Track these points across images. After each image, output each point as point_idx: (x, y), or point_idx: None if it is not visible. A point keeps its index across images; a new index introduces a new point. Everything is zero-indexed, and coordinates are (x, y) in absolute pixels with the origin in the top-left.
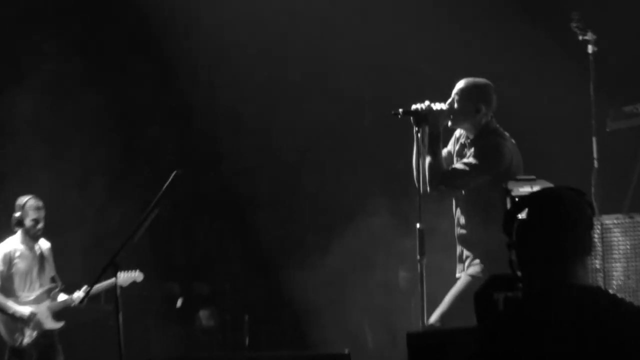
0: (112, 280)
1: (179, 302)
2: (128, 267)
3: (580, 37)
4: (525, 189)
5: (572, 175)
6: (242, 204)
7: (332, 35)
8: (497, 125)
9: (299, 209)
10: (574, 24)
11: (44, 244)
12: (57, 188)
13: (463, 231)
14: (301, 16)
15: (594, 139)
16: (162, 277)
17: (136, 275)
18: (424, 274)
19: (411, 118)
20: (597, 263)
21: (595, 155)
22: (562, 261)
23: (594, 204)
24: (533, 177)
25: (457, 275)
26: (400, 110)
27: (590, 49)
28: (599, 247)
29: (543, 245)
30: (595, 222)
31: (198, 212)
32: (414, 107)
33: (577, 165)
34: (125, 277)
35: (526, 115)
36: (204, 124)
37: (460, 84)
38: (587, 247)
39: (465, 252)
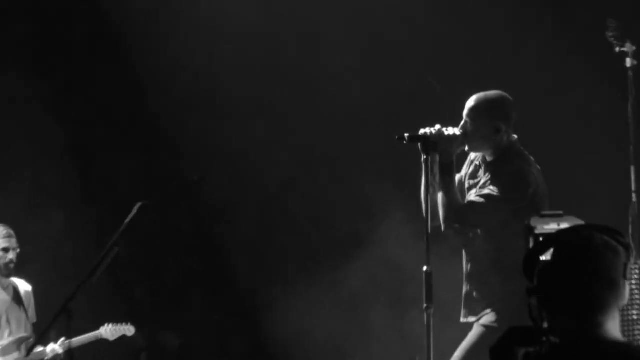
0: (96, 333)
1: (143, 358)
2: (84, 314)
3: (617, 49)
4: (551, 227)
5: (607, 210)
6: (217, 240)
7: (321, 43)
8: (522, 148)
9: (283, 248)
10: (609, 34)
11: (22, 286)
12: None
13: (474, 268)
14: (285, 20)
15: (632, 169)
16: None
17: (126, 329)
18: (432, 326)
19: (419, 144)
20: (635, 314)
21: (633, 187)
22: (591, 312)
23: (631, 245)
24: (560, 212)
25: (462, 319)
26: (407, 135)
27: (628, 62)
28: (637, 295)
29: (569, 293)
30: (633, 266)
31: (165, 251)
32: (422, 131)
33: (613, 199)
34: (112, 330)
35: (552, 139)
36: (173, 149)
37: (471, 102)
38: (620, 296)
39: (475, 294)
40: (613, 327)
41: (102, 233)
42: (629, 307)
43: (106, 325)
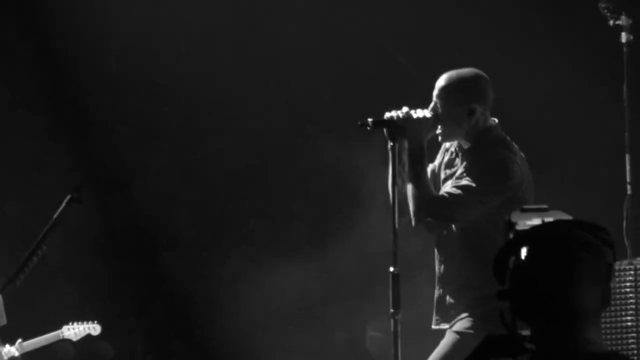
0: (57, 333)
1: None
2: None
3: (611, 22)
4: (534, 223)
5: (599, 204)
6: (155, 237)
7: (276, 19)
8: (502, 133)
9: (229, 245)
10: (602, 5)
11: None
12: None
13: (447, 270)
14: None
15: (627, 157)
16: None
17: (91, 328)
18: (399, 333)
19: (384, 130)
20: (630, 320)
21: (628, 178)
22: (570, 318)
23: (626, 242)
24: (545, 206)
25: (434, 326)
26: (370, 120)
27: (623, 37)
28: (632, 299)
29: (544, 298)
30: (627, 267)
31: (97, 249)
32: (387, 115)
33: (605, 191)
34: (76, 330)
35: (538, 123)
36: (108, 132)
37: (441, 82)
38: (603, 300)
39: (449, 299)
40: (595, 334)
41: (25, 229)
42: (623, 313)
43: (70, 324)
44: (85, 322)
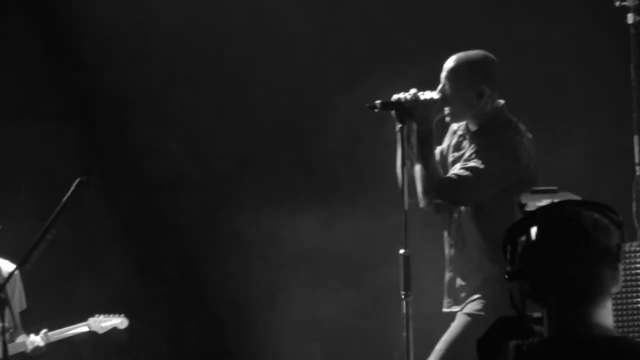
0: (82, 325)
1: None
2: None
3: (617, 3)
4: (544, 204)
5: (606, 185)
6: (164, 219)
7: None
8: (510, 115)
9: (237, 229)
10: None
11: (4, 267)
12: None
13: (458, 253)
14: None
15: (635, 138)
16: (64, 321)
17: (118, 322)
18: (410, 315)
19: (392, 112)
20: None
21: (637, 159)
22: (580, 300)
23: (636, 224)
24: (554, 187)
25: (445, 309)
26: (378, 102)
27: (630, 18)
28: None
29: (554, 279)
30: (637, 248)
31: (109, 235)
32: (395, 97)
33: (613, 172)
34: (101, 323)
35: (544, 105)
36: (113, 117)
37: (450, 63)
38: (613, 282)
39: (459, 281)
40: (606, 317)
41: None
42: (634, 295)
43: (96, 316)
44: (112, 316)
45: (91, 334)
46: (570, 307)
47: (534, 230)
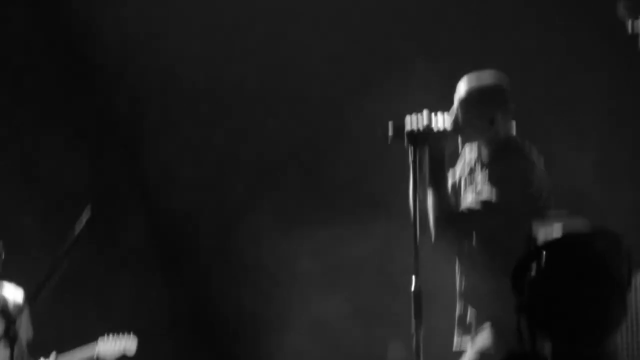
0: (90, 349)
1: None
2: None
3: (630, 27)
4: (554, 233)
5: (619, 212)
6: (175, 252)
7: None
8: (522, 141)
9: (250, 261)
10: (622, 8)
11: (8, 292)
12: None
13: (469, 286)
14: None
15: None
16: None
17: (126, 346)
18: (421, 349)
19: (405, 140)
20: None
21: None
22: (593, 331)
23: None
24: (565, 215)
25: (455, 343)
26: (390, 129)
27: None
28: None
29: (562, 312)
30: None
31: (117, 265)
32: (408, 127)
33: (625, 201)
34: (110, 346)
35: (555, 131)
36: (126, 148)
37: (462, 91)
38: (622, 313)
39: (470, 315)
40: (614, 347)
41: (46, 245)
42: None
43: (105, 337)
44: (121, 338)
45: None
46: (581, 340)
47: (542, 262)
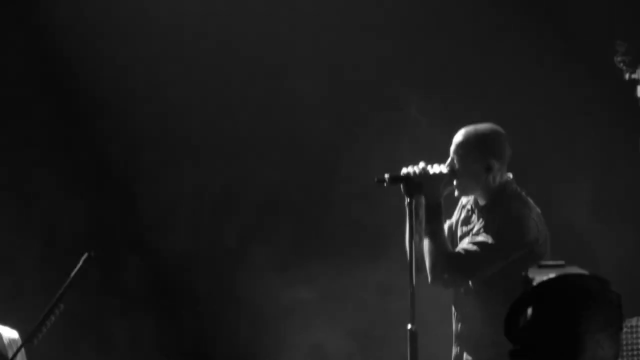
0: None
1: None
2: None
3: (627, 76)
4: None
5: (617, 262)
6: (175, 298)
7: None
8: (518, 188)
9: (244, 304)
10: (618, 58)
11: (4, 333)
12: None
13: (465, 328)
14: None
15: None
16: None
17: None
18: None
19: (401, 186)
20: None
21: None
22: None
23: None
24: (562, 262)
25: None
26: (387, 175)
27: (639, 91)
28: None
29: (555, 354)
30: None
31: (115, 309)
32: (404, 171)
33: (624, 250)
34: None
35: (552, 178)
36: (122, 190)
37: (459, 137)
38: (619, 353)
39: (466, 356)
40: None
41: (43, 288)
42: None
43: None
44: None
45: None
46: None
47: (534, 307)
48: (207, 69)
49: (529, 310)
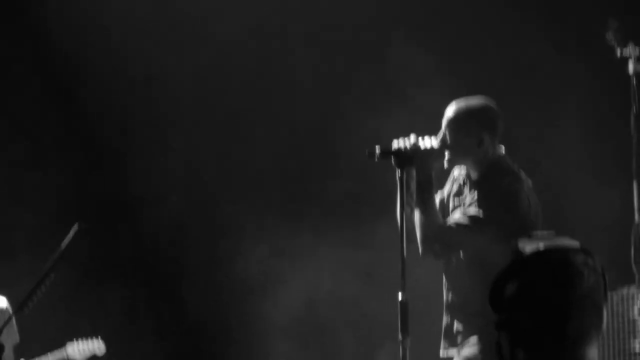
0: (61, 352)
1: None
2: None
3: (619, 53)
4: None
5: (605, 231)
6: (166, 268)
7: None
8: (510, 161)
9: (238, 278)
10: (610, 35)
11: None
12: None
13: (456, 298)
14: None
15: (634, 185)
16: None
17: (95, 347)
18: (408, 358)
19: (392, 159)
20: (638, 346)
21: (636, 205)
22: (574, 345)
23: (634, 269)
24: (552, 232)
25: (442, 354)
26: (378, 149)
27: (631, 68)
28: None
29: (542, 325)
30: (634, 293)
31: (107, 279)
32: (395, 145)
33: (613, 218)
34: (79, 350)
35: (545, 152)
36: (112, 163)
37: (450, 111)
38: (603, 322)
39: (457, 326)
40: (594, 357)
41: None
42: (631, 339)
43: (74, 341)
44: (89, 340)
45: None
46: (564, 352)
47: (520, 277)
48: (198, 42)
49: (514, 281)
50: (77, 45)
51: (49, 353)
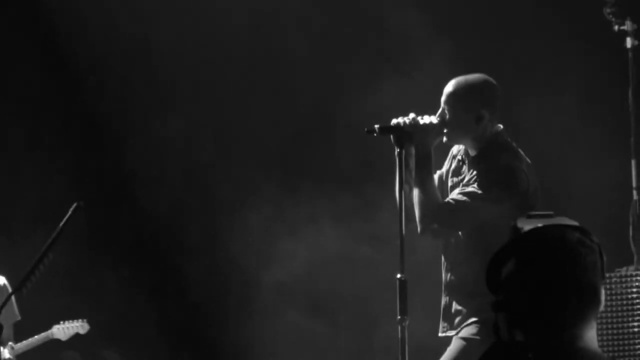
0: (47, 333)
1: None
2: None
3: (616, 27)
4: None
5: (604, 209)
6: (164, 246)
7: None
8: (508, 139)
9: (235, 256)
10: (607, 10)
11: None
12: None
13: (454, 278)
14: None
15: (633, 162)
16: (58, 344)
17: (79, 326)
18: (406, 339)
19: (391, 136)
20: (636, 326)
21: (634, 183)
22: (570, 324)
23: (633, 248)
24: (550, 212)
25: (440, 334)
26: (377, 126)
27: (628, 42)
28: (638, 305)
29: (543, 305)
30: (632, 273)
31: (104, 258)
32: (394, 121)
33: (611, 196)
34: (65, 329)
35: (543, 129)
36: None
37: (449, 87)
38: (599, 302)
39: (455, 306)
40: (592, 338)
41: (34, 236)
42: (630, 319)
43: (60, 323)
44: (74, 321)
45: (56, 341)
46: (560, 331)
47: (517, 257)
48: (198, 18)
49: (511, 261)
50: (77, 21)
51: (35, 335)
